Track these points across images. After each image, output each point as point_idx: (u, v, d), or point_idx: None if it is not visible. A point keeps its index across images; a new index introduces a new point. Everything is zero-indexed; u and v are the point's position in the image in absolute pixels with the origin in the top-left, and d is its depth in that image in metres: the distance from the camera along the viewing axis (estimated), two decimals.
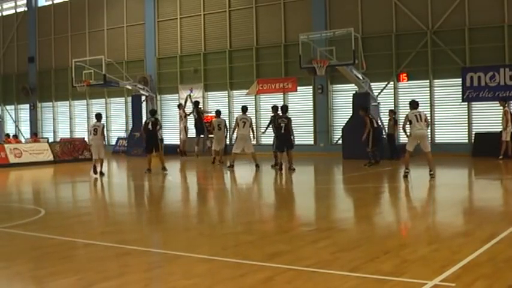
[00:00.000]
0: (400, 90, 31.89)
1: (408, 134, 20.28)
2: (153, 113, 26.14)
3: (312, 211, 14.96)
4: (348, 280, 7.74)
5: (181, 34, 39.40)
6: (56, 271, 8.57)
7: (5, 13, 50.20)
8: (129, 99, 40.29)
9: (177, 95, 39.29)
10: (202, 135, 32.49)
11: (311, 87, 34.55)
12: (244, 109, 26.39)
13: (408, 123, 19.99)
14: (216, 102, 37.91)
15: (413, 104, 20.27)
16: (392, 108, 30.08)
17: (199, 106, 33.10)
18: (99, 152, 23.98)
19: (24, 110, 48.85)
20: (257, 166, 25.22)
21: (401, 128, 21.92)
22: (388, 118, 29.34)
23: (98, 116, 24.84)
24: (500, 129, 27.10)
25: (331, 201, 16.78)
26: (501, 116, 27.15)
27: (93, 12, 43.52)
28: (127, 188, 22.16)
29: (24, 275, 8.53)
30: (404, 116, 20.83)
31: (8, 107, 50.13)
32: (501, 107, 27.39)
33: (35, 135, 40.22)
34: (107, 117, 42.80)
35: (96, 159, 24.05)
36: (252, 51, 36.50)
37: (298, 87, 34.66)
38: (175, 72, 39.47)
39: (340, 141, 31.36)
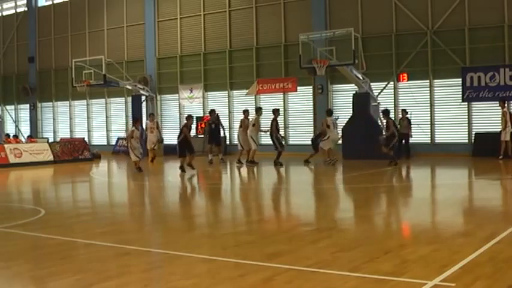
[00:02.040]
0: (400, 90, 31.89)
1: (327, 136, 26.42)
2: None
3: (312, 211, 14.96)
4: (348, 280, 7.74)
5: (181, 34, 39.40)
6: (55, 271, 8.57)
7: (5, 13, 50.19)
8: (129, 99, 40.31)
9: (177, 95, 39.30)
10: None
11: (311, 87, 34.56)
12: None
13: (327, 127, 26.36)
14: (216, 102, 37.92)
15: (329, 112, 27.85)
16: (405, 108, 30.01)
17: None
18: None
19: (24, 110, 48.82)
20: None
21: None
22: (400, 118, 29.46)
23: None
24: (500, 129, 27.13)
25: (331, 201, 16.78)
26: (501, 116, 27.20)
27: (93, 12, 43.52)
28: (127, 188, 22.14)
29: (24, 275, 8.53)
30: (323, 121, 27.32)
31: (8, 107, 50.12)
32: (500, 108, 27.43)
33: (30, 137, 40.02)
34: (107, 117, 42.85)
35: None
36: (252, 51, 36.51)
37: (298, 87, 34.65)
38: (176, 73, 39.47)
39: (340, 141, 31.35)
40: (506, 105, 27.65)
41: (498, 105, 27.76)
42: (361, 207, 15.26)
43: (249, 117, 28.91)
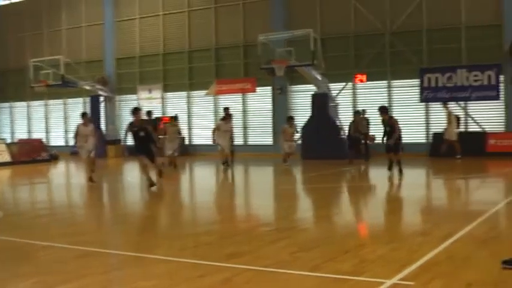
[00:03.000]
0: (358, 90, 32.09)
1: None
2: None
3: (272, 211, 14.96)
4: (307, 280, 7.76)
5: (141, 34, 39.25)
6: (14, 274, 8.47)
7: None
8: (88, 99, 40.03)
9: (135, 95, 39.14)
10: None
11: (270, 87, 34.62)
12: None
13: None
14: (175, 103, 37.86)
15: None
16: (364, 109, 29.99)
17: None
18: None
19: None
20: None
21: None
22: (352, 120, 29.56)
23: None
24: (459, 130, 27.62)
25: (291, 201, 16.78)
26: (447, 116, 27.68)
27: (52, 11, 43.15)
28: (86, 189, 21.96)
29: None
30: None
31: None
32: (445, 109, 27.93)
33: None
34: (65, 117, 42.51)
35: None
36: (211, 52, 36.49)
37: (258, 88, 34.70)
38: (135, 73, 39.31)
39: (299, 142, 31.43)
40: (448, 106, 28.07)
41: (442, 107, 28.20)
42: (320, 207, 15.30)
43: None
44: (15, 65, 44.65)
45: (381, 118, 21.82)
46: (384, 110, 22.04)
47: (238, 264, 8.52)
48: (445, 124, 27.72)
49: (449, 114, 27.61)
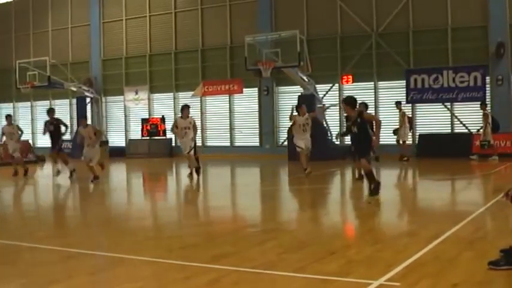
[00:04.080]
0: (345, 92, 32.10)
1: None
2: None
3: (258, 212, 14.95)
4: (294, 281, 7.75)
5: (127, 35, 39.19)
6: (1, 275, 8.47)
7: None
8: (74, 101, 39.95)
9: (122, 96, 39.08)
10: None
11: (256, 88, 34.65)
12: None
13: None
14: (161, 104, 37.86)
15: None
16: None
17: None
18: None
19: None
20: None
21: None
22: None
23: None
24: (445, 131, 27.77)
25: (278, 202, 16.80)
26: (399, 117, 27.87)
27: (38, 12, 42.99)
28: (72, 191, 21.89)
29: None
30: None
31: None
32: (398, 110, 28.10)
33: None
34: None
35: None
36: (197, 53, 36.48)
37: (244, 89, 34.73)
38: (121, 74, 39.25)
39: (286, 143, 31.42)
40: (402, 107, 28.33)
41: (396, 107, 28.30)
42: (307, 208, 15.32)
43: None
44: (0, 65, 44.43)
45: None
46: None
47: (224, 265, 8.49)
48: (398, 125, 27.86)
49: (403, 116, 27.76)
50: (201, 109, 36.33)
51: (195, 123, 22.21)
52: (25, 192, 21.52)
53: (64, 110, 41.92)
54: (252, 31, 32.24)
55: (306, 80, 30.49)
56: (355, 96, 15.61)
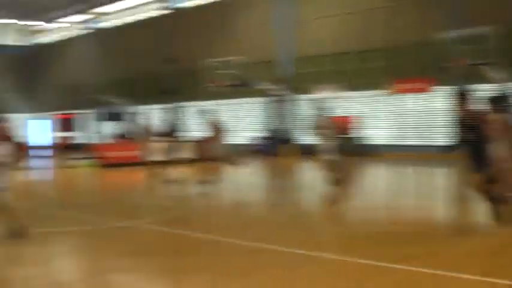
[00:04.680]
0: None
1: None
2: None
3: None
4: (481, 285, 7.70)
5: (317, 34, 39.31)
6: (192, 266, 9.13)
7: (150, 14, 52.56)
8: (264, 99, 40.66)
9: (312, 95, 39.33)
10: None
11: (446, 87, 33.84)
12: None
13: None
14: (356, 102, 37.88)
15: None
16: None
17: None
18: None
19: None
20: None
21: None
22: None
23: None
24: None
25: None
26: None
27: (227, 13, 44.56)
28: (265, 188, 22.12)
29: (166, 269, 9.07)
30: None
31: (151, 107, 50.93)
32: None
33: None
34: (239, 117, 43.12)
35: None
36: (387, 51, 36.10)
37: (434, 87, 33.98)
38: (313, 72, 39.41)
39: None
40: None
41: None
42: None
43: None
44: (196, 65, 45.38)
45: None
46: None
47: (411, 266, 8.55)
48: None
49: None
50: (390, 108, 35.99)
51: None
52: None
53: (253, 108, 42.66)
54: (441, 27, 31.23)
55: (499, 78, 29.51)
56: None
